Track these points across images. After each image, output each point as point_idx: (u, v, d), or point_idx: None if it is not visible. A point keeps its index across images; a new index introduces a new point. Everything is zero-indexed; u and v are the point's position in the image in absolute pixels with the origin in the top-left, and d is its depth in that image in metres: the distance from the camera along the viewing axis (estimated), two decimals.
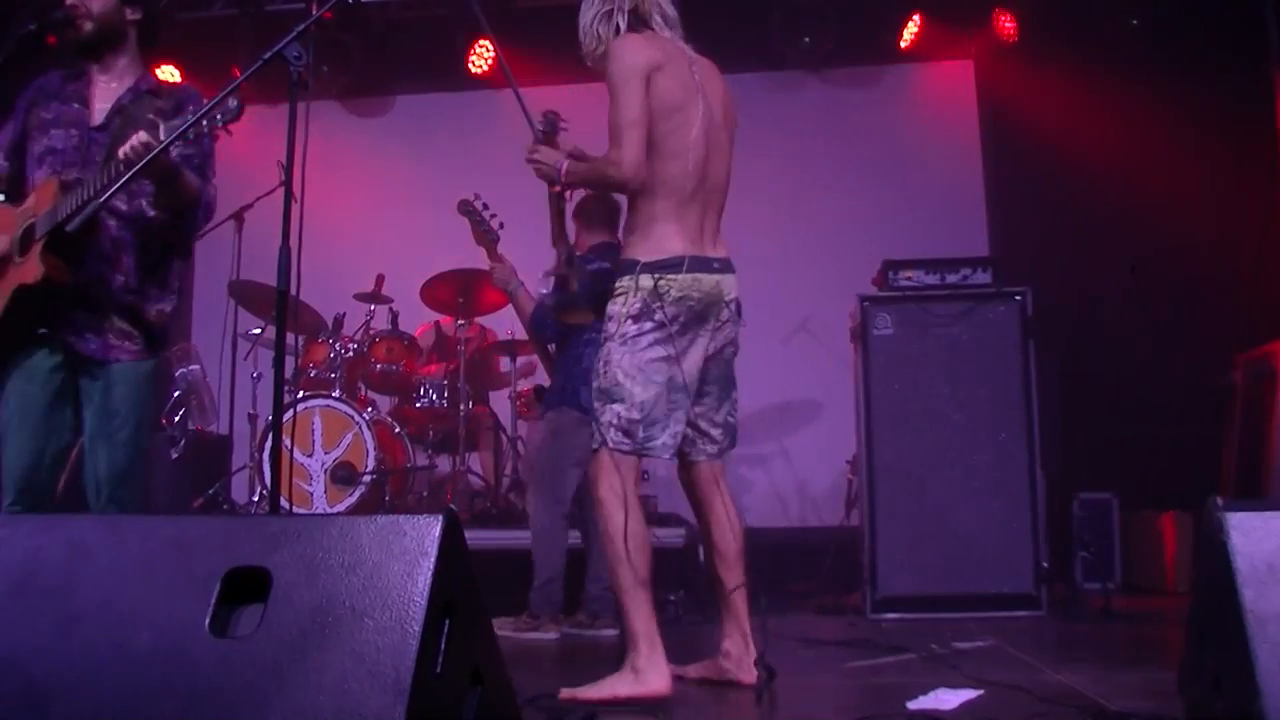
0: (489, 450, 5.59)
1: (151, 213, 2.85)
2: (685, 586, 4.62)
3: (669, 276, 2.79)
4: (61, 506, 3.00)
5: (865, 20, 6.47)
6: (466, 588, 1.74)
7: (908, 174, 6.46)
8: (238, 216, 5.40)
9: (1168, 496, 5.28)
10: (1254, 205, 5.84)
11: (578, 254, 3.78)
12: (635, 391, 2.78)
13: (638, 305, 2.80)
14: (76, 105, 2.91)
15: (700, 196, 2.89)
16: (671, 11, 2.98)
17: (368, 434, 5.01)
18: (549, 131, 3.14)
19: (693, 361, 2.85)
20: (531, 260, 4.25)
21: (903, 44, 6.45)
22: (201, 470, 5.36)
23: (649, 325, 2.79)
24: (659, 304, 2.78)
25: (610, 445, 2.79)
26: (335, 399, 5.13)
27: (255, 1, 6.43)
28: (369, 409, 5.25)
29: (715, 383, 2.98)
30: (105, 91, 2.93)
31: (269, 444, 4.69)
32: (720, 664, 2.97)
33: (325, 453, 5.03)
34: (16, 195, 2.89)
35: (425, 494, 5.48)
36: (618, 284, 2.86)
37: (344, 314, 5.54)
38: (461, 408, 5.27)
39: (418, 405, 5.47)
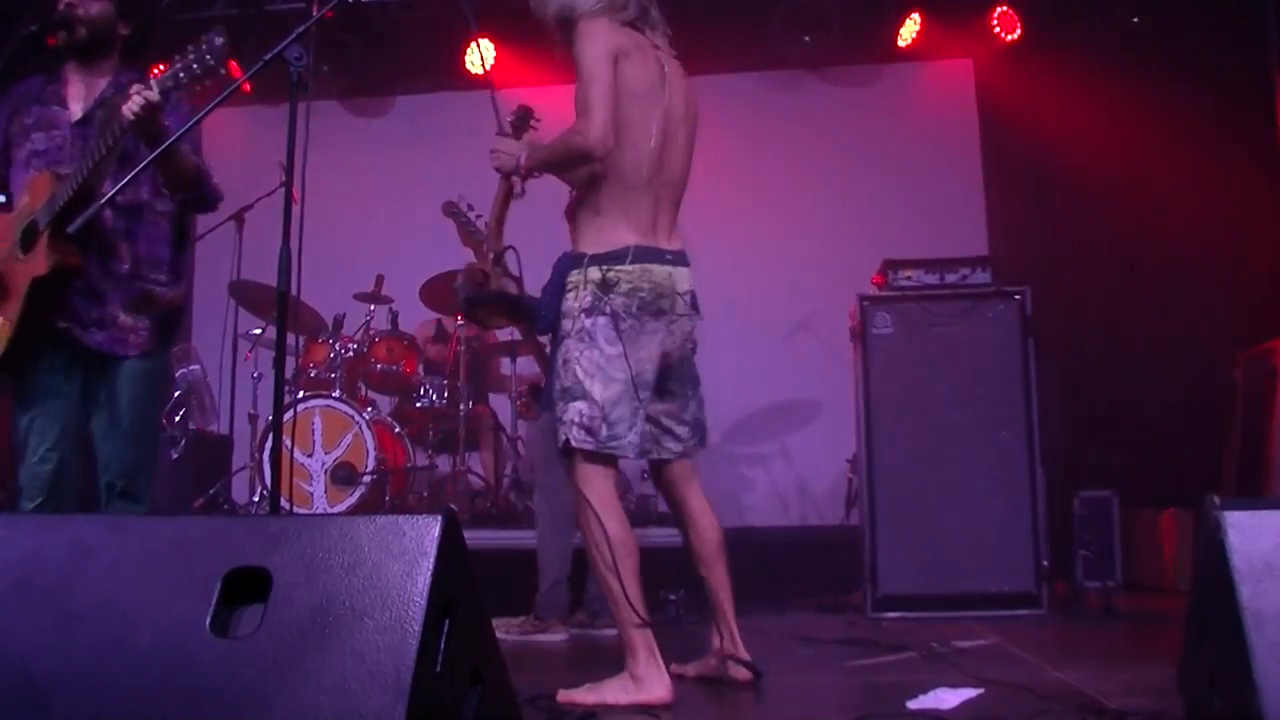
0: (489, 450, 5.59)
1: (156, 201, 2.88)
2: (685, 586, 4.61)
3: (617, 268, 2.74)
4: (80, 505, 3.00)
5: (865, 20, 6.46)
6: (466, 588, 1.75)
7: (907, 173, 6.46)
8: (238, 217, 5.40)
9: (1168, 494, 5.28)
10: (1254, 204, 5.84)
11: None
12: (595, 389, 2.72)
13: (588, 298, 2.75)
14: (55, 107, 2.96)
15: (653, 189, 2.83)
16: (654, 12, 2.94)
17: (368, 434, 5.00)
18: (518, 125, 3.13)
19: (650, 355, 2.79)
20: (528, 260, 4.24)
21: (902, 43, 6.44)
22: (202, 470, 5.36)
23: (602, 320, 2.74)
24: (608, 296, 2.73)
25: (574, 443, 2.73)
26: (335, 399, 5.13)
27: (255, 2, 6.42)
28: (369, 409, 5.25)
29: (678, 380, 2.94)
30: (83, 90, 2.96)
31: (269, 444, 4.68)
32: (713, 661, 2.98)
33: (325, 453, 5.02)
34: (5, 202, 2.91)
35: (425, 494, 5.47)
36: (568, 279, 2.80)
37: (344, 314, 5.53)
38: (461, 408, 5.27)
39: (418, 405, 5.46)
